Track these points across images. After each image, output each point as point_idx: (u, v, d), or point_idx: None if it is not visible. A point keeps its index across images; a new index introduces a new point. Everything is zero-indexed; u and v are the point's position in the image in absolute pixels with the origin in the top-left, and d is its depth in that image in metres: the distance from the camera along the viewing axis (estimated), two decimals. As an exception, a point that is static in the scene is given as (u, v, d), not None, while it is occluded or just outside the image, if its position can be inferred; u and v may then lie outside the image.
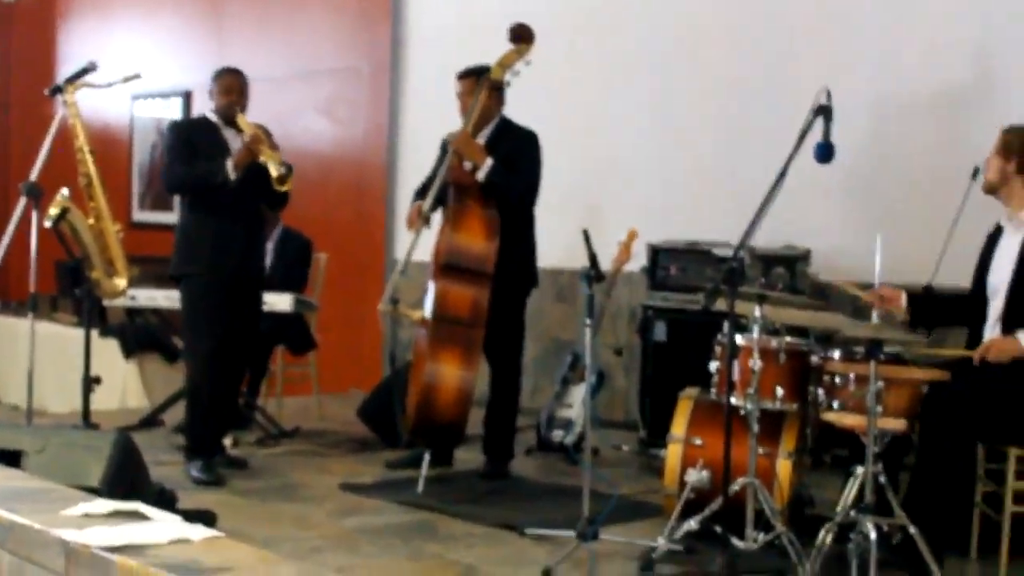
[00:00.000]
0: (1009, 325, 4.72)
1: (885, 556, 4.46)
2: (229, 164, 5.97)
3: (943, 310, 5.10)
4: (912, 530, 4.39)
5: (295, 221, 8.02)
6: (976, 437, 4.67)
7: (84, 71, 6.20)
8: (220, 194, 5.99)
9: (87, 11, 12.71)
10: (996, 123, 5.02)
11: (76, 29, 12.85)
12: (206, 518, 4.87)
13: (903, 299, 4.98)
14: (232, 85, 6.23)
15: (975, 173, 5.40)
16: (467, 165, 5.94)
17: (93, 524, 3.00)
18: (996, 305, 4.84)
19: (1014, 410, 4.57)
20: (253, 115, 10.22)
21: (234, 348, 6.15)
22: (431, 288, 5.92)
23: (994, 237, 5.00)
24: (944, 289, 5.67)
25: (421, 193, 6.29)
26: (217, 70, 6.33)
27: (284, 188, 5.94)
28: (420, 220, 6.08)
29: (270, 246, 7.70)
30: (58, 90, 6.18)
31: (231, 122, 6.12)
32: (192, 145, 6.12)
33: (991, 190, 4.93)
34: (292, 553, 4.63)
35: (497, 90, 6.10)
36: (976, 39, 6.58)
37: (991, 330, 4.84)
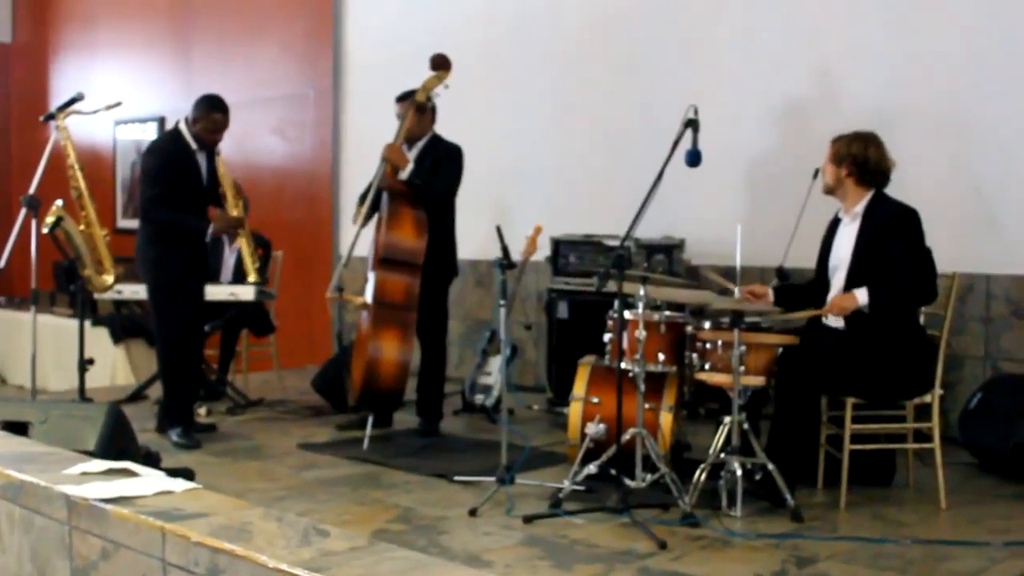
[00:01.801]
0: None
1: (749, 488, 4.57)
2: (210, 230, 5.96)
3: (800, 296, 5.17)
4: (771, 467, 4.49)
5: (255, 223, 7.96)
6: (820, 390, 4.75)
7: (73, 100, 6.13)
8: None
9: (75, 49, 12.50)
10: (833, 129, 5.10)
11: (65, 65, 12.63)
12: (186, 475, 4.85)
13: (770, 295, 5.04)
14: (222, 125, 6.05)
15: (816, 173, 5.49)
16: (401, 174, 5.94)
17: (90, 480, 3.01)
18: (837, 281, 4.91)
19: (848, 368, 4.66)
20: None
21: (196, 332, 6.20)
22: (371, 278, 5.92)
23: (832, 227, 5.08)
24: (792, 269, 5.78)
25: (364, 197, 6.27)
26: (212, 99, 6.03)
27: (256, 279, 6.32)
28: (359, 223, 6.07)
29: (235, 246, 7.65)
30: (51, 117, 6.10)
31: (205, 147, 6.01)
32: (171, 171, 5.93)
33: (829, 191, 5.00)
34: (260, 501, 4.58)
35: (422, 110, 6.09)
36: (812, 58, 6.68)
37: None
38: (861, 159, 4.82)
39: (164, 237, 5.95)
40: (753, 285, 5.06)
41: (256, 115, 10.24)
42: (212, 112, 6.01)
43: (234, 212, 6.13)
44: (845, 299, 4.73)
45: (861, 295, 4.68)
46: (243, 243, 6.24)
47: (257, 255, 6.38)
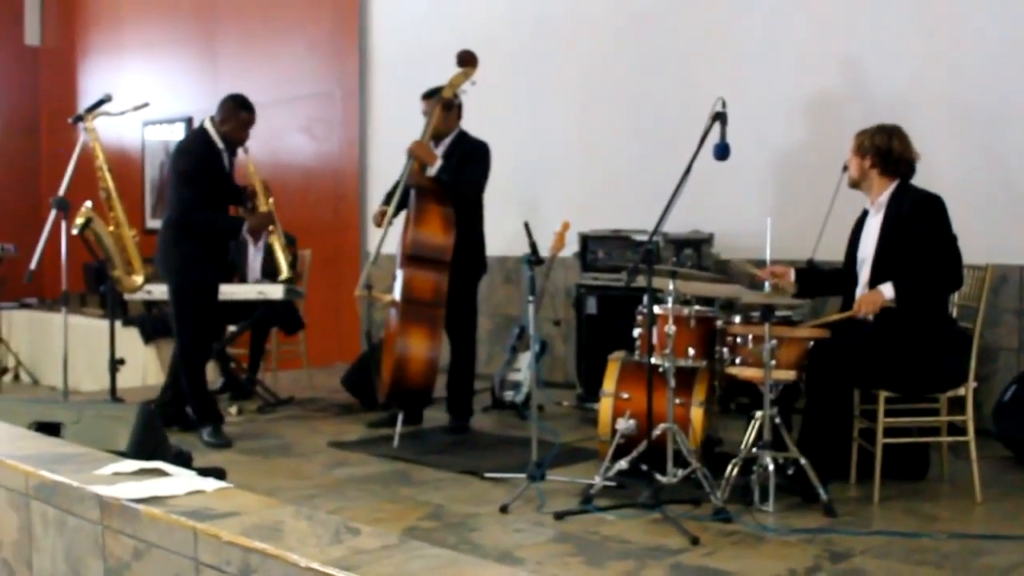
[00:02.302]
0: (875, 285, 4.76)
1: (781, 483, 4.54)
2: (245, 228, 6.10)
3: (822, 282, 5.16)
4: (803, 461, 4.46)
5: (284, 222, 7.96)
6: (852, 383, 4.71)
7: (101, 102, 6.14)
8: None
9: (102, 51, 12.57)
10: (862, 122, 5.05)
11: (93, 67, 12.70)
12: (217, 474, 4.85)
13: (791, 274, 5.02)
14: (250, 123, 6.12)
15: (845, 167, 5.45)
16: (428, 169, 5.93)
17: (122, 481, 3.00)
18: (864, 273, 4.88)
19: (881, 361, 4.62)
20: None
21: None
22: (399, 275, 5.91)
23: (861, 220, 5.05)
24: (823, 263, 5.74)
25: (389, 197, 6.28)
26: (238, 98, 6.10)
27: (288, 275, 6.36)
28: (385, 223, 6.06)
29: (260, 244, 7.69)
30: (80, 119, 6.12)
31: (230, 146, 6.05)
32: (204, 172, 5.99)
33: (854, 185, 4.97)
34: (291, 500, 4.60)
35: (449, 107, 6.08)
36: (840, 50, 6.63)
37: (860, 294, 4.89)
38: (884, 149, 4.80)
39: (191, 238, 5.97)
40: (775, 266, 5.02)
41: (283, 114, 10.27)
42: (240, 111, 6.05)
43: (264, 208, 6.17)
44: (873, 295, 4.69)
45: (887, 290, 4.64)
46: (275, 239, 6.29)
47: (289, 251, 6.42)
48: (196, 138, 6.10)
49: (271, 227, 6.24)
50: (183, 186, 5.99)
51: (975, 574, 3.72)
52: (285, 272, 6.35)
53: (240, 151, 6.14)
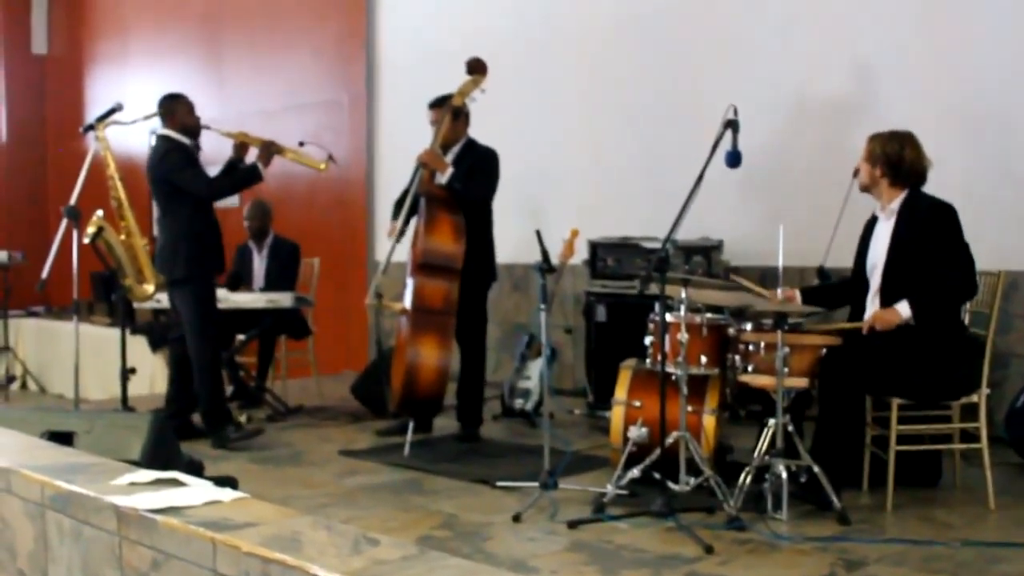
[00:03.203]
0: (886, 296, 4.75)
1: (794, 491, 4.53)
2: (261, 167, 6.20)
3: (829, 297, 5.15)
4: (816, 469, 4.45)
5: (292, 231, 8.00)
6: (865, 390, 4.69)
7: (112, 111, 6.16)
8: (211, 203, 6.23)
9: (109, 60, 12.60)
10: (871, 128, 5.05)
11: (100, 75, 12.73)
12: (229, 483, 4.86)
13: (798, 297, 5.02)
14: (192, 105, 6.30)
15: (855, 172, 5.44)
16: (438, 177, 5.93)
17: (139, 491, 3.00)
18: (875, 280, 4.87)
19: (894, 368, 4.61)
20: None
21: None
22: (409, 284, 5.91)
23: (870, 225, 5.04)
24: (833, 270, 5.74)
25: (398, 205, 6.28)
26: (169, 94, 6.31)
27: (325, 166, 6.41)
28: (396, 234, 6.09)
29: (264, 252, 7.70)
30: (91, 128, 6.13)
31: (194, 137, 6.24)
32: (194, 161, 6.21)
33: (865, 190, 4.97)
34: (303, 509, 4.56)
35: (459, 115, 6.09)
36: (850, 57, 6.63)
37: (871, 301, 4.87)
38: (895, 159, 4.78)
39: (194, 232, 6.12)
40: (784, 290, 5.01)
41: (290, 122, 10.28)
42: (179, 99, 6.26)
43: (258, 144, 6.31)
44: (888, 314, 4.67)
45: (904, 309, 4.63)
46: (290, 153, 6.37)
47: (302, 152, 6.47)
48: (167, 142, 6.20)
49: (278, 150, 6.31)
50: (188, 173, 6.10)
51: (991, 582, 3.72)
52: (322, 165, 6.41)
53: (204, 131, 6.31)
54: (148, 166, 6.23)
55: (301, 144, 6.51)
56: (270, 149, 6.27)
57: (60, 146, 12.64)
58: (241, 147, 6.43)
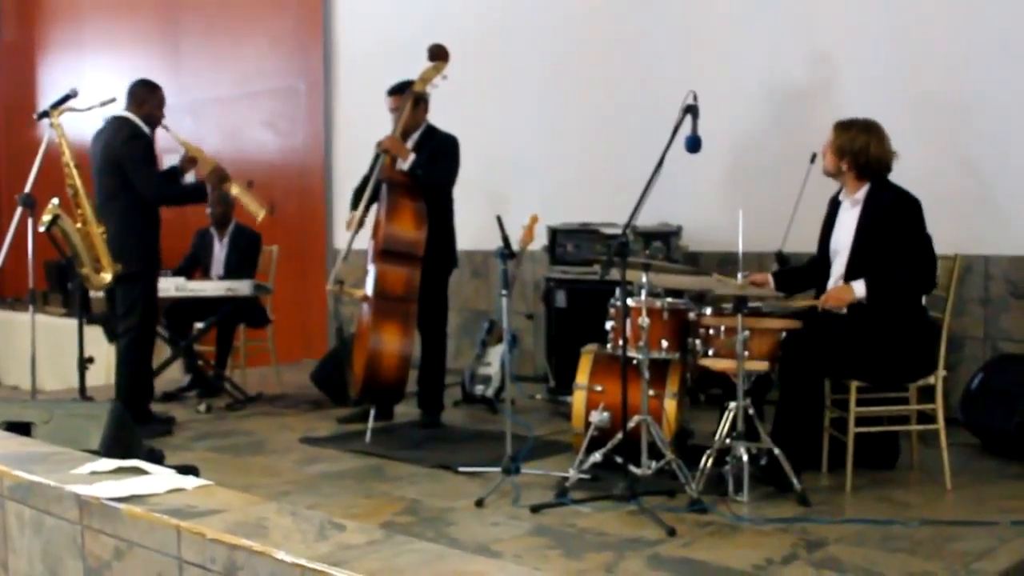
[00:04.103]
0: (849, 280, 4.80)
1: (755, 474, 4.57)
2: (208, 187, 6.30)
3: (800, 279, 5.18)
4: (776, 452, 4.49)
5: (248, 218, 7.93)
6: (824, 374, 4.74)
7: (67, 97, 6.06)
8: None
9: (63, 47, 12.43)
10: (830, 113, 5.08)
11: (54, 63, 12.56)
12: (191, 472, 4.83)
13: (771, 281, 5.04)
14: (164, 100, 6.36)
15: (813, 158, 5.48)
16: (399, 164, 5.91)
17: (100, 480, 2.98)
18: (839, 263, 4.90)
19: (852, 351, 4.66)
20: (209, 132, 10.16)
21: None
22: (371, 270, 5.89)
23: (833, 208, 5.07)
24: (792, 254, 5.78)
25: (358, 193, 6.25)
26: (147, 81, 6.33)
27: (267, 213, 6.41)
28: (355, 225, 6.08)
29: (225, 239, 7.64)
30: (45, 114, 6.04)
31: (153, 128, 6.26)
32: (153, 154, 6.25)
33: (829, 175, 5.00)
34: (265, 497, 4.54)
35: (420, 101, 6.06)
36: (808, 43, 6.67)
37: (834, 284, 4.92)
38: (862, 157, 4.81)
39: (151, 229, 6.17)
40: (754, 275, 5.04)
41: (247, 109, 10.22)
42: (155, 91, 6.31)
43: (209, 166, 6.38)
44: (842, 291, 4.73)
45: (859, 288, 4.68)
46: (235, 188, 6.41)
47: (252, 193, 6.48)
48: (131, 125, 6.19)
49: (227, 179, 6.36)
50: (144, 168, 6.12)
51: (948, 559, 3.76)
52: (260, 212, 6.38)
53: (161, 129, 6.34)
54: (103, 144, 6.18)
55: (250, 184, 6.58)
56: (221, 175, 6.34)
57: (13, 134, 12.46)
58: (191, 161, 6.51)
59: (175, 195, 6.41)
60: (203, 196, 6.41)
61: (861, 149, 4.81)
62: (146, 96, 6.25)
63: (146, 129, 6.20)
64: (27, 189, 5.89)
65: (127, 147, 6.09)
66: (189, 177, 6.86)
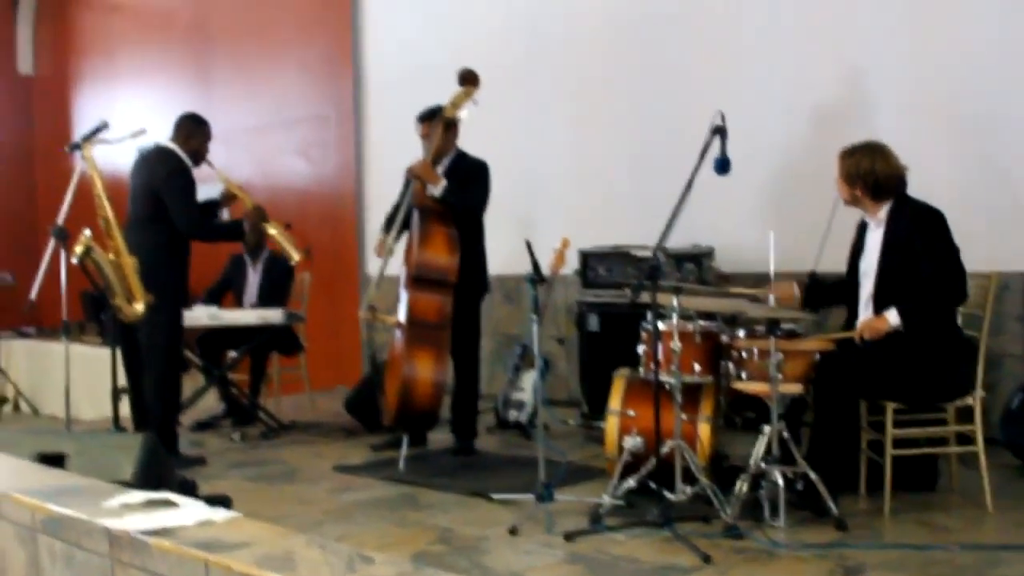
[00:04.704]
0: (878, 304, 4.75)
1: (791, 498, 4.51)
2: (246, 225, 6.32)
3: (826, 295, 5.14)
4: (812, 476, 4.43)
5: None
6: (859, 395, 4.69)
7: (98, 129, 6.12)
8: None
9: (96, 79, 12.57)
10: (860, 131, 5.03)
11: (87, 94, 12.70)
12: (223, 502, 4.83)
13: (795, 290, 5.00)
14: (211, 136, 6.38)
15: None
16: (430, 190, 5.90)
17: (130, 512, 2.98)
18: (867, 286, 4.87)
19: (888, 371, 4.60)
20: (241, 160, 10.23)
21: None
22: (403, 297, 5.88)
23: (862, 229, 5.03)
24: (825, 275, 5.72)
25: (389, 222, 6.26)
26: (196, 116, 6.36)
27: (300, 257, 6.49)
28: (386, 251, 6.09)
29: (259, 266, 7.68)
30: (76, 147, 6.09)
31: (197, 164, 6.26)
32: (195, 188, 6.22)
33: (849, 204, 4.97)
34: (298, 527, 4.58)
35: (450, 126, 6.07)
36: (837, 61, 6.62)
37: (864, 307, 4.87)
38: (871, 178, 4.79)
39: (182, 260, 6.15)
40: (778, 283, 4.99)
41: (278, 137, 10.28)
42: (203, 126, 6.34)
43: (249, 205, 6.41)
44: (878, 322, 4.68)
45: (893, 317, 4.63)
46: (273, 228, 6.46)
47: (290, 235, 6.53)
48: (176, 158, 6.19)
49: (266, 219, 6.42)
50: (184, 201, 6.10)
51: (990, 585, 3.70)
52: (296, 256, 6.44)
53: (205, 165, 6.34)
54: (146, 171, 6.17)
55: (288, 226, 6.61)
56: (261, 215, 6.38)
57: (49, 166, 12.59)
58: (231, 197, 6.55)
59: (211, 231, 6.41)
60: (239, 235, 6.43)
61: (868, 171, 4.78)
62: (193, 130, 6.27)
63: (189, 162, 6.20)
64: (59, 221, 5.94)
65: (170, 179, 6.09)
66: (225, 213, 6.89)
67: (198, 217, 6.19)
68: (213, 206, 6.57)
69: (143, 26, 11.90)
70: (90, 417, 8.37)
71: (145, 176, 6.17)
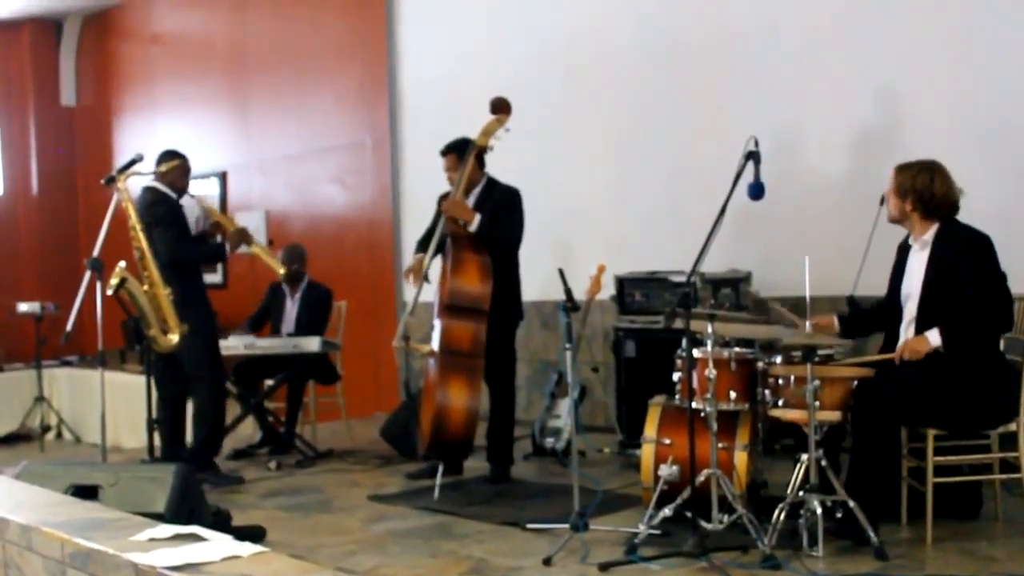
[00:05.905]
0: (921, 327, 4.66)
1: (830, 528, 4.43)
2: (228, 247, 6.58)
3: (867, 322, 5.06)
4: (852, 504, 4.35)
5: (319, 273, 7.98)
6: (899, 422, 4.60)
7: (132, 162, 6.20)
8: None
9: (136, 109, 12.69)
10: (896, 154, 4.96)
11: (128, 125, 12.82)
12: (257, 532, 4.83)
13: (836, 323, 4.93)
14: (189, 169, 6.60)
15: (882, 200, 5.36)
16: (464, 224, 5.89)
17: (157, 547, 2.95)
18: (910, 309, 4.78)
19: (928, 397, 4.52)
20: (278, 188, 10.28)
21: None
22: (437, 325, 5.87)
23: (903, 250, 4.95)
24: (863, 299, 5.64)
25: (422, 244, 6.26)
26: (172, 150, 6.56)
27: (285, 271, 6.91)
28: (420, 276, 6.07)
29: (298, 296, 7.68)
30: (112, 179, 6.17)
31: (179, 196, 6.49)
32: (179, 216, 6.48)
33: (895, 222, 4.87)
34: (331, 557, 4.57)
35: (481, 156, 6.06)
36: (873, 84, 6.56)
37: (905, 330, 4.78)
38: (927, 194, 4.69)
39: (183, 277, 6.29)
40: (818, 316, 4.93)
41: (315, 166, 10.32)
42: (176, 159, 6.51)
43: (231, 228, 6.65)
44: (918, 342, 4.59)
45: (934, 337, 4.54)
46: (255, 248, 6.69)
47: (272, 251, 7.01)
48: (153, 192, 6.43)
49: (248, 240, 6.60)
50: (163, 229, 6.29)
51: (1036, 618, 3.60)
52: (281, 270, 6.81)
53: (187, 197, 6.56)
54: (141, 210, 6.34)
55: (270, 243, 7.09)
56: (242, 236, 6.58)
57: (91, 197, 12.71)
58: (217, 226, 6.76)
59: (190, 253, 6.52)
60: (220, 256, 6.78)
61: (925, 187, 4.68)
62: (170, 165, 6.46)
63: (171, 194, 6.42)
64: (95, 253, 5.98)
65: (149, 212, 6.30)
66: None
67: (172, 243, 6.31)
68: (203, 236, 6.76)
69: (182, 57, 12.01)
70: (131, 445, 8.41)
71: (142, 215, 6.30)
